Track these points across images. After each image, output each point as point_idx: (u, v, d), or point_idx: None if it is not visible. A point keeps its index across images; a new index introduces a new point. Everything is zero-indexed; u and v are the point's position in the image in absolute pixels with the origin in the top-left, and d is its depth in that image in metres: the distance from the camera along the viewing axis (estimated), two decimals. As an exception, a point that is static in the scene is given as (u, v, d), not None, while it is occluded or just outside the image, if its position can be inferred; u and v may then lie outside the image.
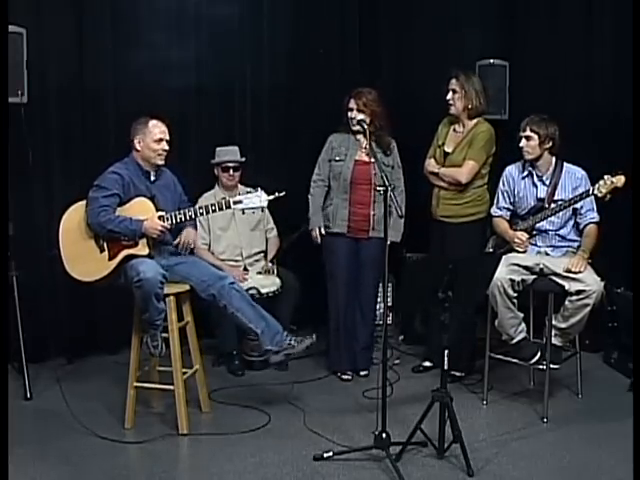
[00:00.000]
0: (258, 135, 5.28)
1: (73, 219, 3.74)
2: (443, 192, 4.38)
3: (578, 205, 3.95)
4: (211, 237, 4.78)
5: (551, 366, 3.89)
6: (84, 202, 3.72)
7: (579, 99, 5.12)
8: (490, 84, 4.66)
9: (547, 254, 4.02)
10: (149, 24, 4.77)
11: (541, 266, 3.88)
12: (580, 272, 3.78)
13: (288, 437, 3.69)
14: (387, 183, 3.43)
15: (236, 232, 4.81)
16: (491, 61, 4.92)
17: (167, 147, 3.82)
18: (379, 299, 4.69)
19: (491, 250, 4.19)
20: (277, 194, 3.81)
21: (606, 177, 3.78)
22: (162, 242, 3.81)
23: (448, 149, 4.37)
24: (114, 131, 4.70)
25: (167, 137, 3.82)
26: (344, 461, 3.42)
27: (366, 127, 4.06)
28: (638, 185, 4.13)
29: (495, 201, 4.25)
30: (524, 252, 4.02)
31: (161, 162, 3.83)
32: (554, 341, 3.91)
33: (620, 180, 3.75)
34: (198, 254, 4.53)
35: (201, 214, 3.77)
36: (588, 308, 3.77)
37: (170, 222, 3.70)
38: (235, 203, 3.74)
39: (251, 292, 4.32)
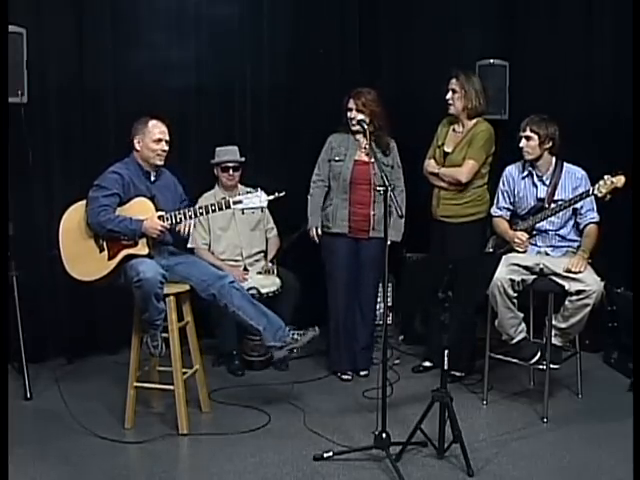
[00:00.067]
0: (258, 135, 5.28)
1: (73, 219, 3.74)
2: (443, 192, 4.38)
3: (578, 205, 3.95)
4: (211, 237, 4.78)
5: (551, 366, 3.89)
6: (84, 202, 3.72)
7: (579, 99, 5.12)
8: (490, 84, 4.66)
9: (547, 254, 4.02)
10: (149, 24, 4.77)
11: (541, 266, 3.88)
12: (580, 272, 3.78)
13: (288, 437, 3.69)
14: (387, 183, 3.43)
15: (236, 232, 4.81)
16: (491, 61, 4.92)
17: (166, 147, 3.81)
18: (379, 299, 4.69)
19: (491, 250, 4.19)
20: (277, 194, 3.80)
21: (606, 177, 3.78)
22: (162, 242, 3.80)
23: (448, 149, 4.37)
24: (114, 131, 4.70)
25: (166, 137, 3.81)
26: (344, 461, 3.42)
27: (365, 127, 4.07)
28: (638, 185, 4.13)
29: (495, 201, 4.25)
30: (524, 252, 4.02)
31: (160, 162, 3.82)
32: (554, 341, 3.91)
33: (620, 180, 3.75)
34: (198, 254, 4.55)
35: (201, 214, 3.76)
36: (588, 308, 3.77)
37: (170, 222, 3.70)
38: (235, 203, 3.73)
39: (251, 292, 4.31)
